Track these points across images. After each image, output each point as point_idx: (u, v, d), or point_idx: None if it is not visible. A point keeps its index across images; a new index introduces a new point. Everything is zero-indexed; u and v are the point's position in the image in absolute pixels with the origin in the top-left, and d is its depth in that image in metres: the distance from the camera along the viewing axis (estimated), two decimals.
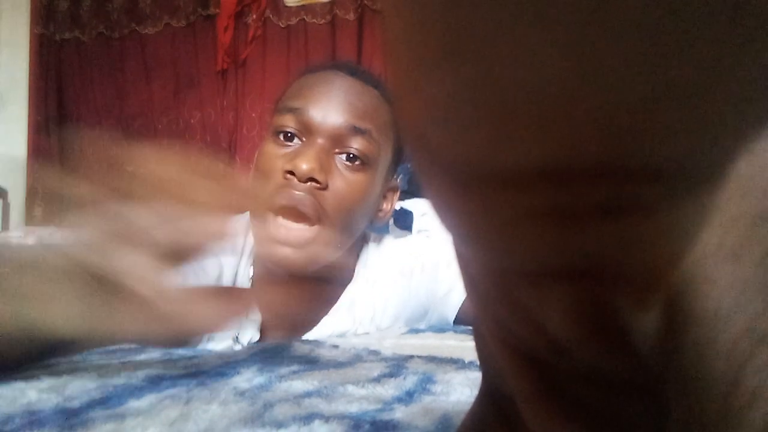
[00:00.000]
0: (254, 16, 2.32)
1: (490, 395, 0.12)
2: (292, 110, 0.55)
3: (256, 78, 2.32)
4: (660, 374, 0.08)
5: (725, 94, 0.06)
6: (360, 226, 0.60)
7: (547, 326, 0.09)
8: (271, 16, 2.31)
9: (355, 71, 0.58)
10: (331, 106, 0.55)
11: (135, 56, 2.50)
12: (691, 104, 0.06)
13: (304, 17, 2.27)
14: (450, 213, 0.09)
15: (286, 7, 2.29)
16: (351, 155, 0.55)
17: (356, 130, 0.55)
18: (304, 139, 0.55)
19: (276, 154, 0.55)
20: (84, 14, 2.55)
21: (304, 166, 0.52)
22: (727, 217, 0.07)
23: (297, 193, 0.53)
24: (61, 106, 2.60)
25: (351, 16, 2.20)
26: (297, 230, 0.53)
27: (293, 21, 2.28)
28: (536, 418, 0.10)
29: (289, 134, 0.55)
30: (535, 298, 0.08)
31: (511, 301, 0.09)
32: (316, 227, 0.54)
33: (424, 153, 0.08)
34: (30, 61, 2.59)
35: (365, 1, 2.18)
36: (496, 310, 0.10)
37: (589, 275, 0.08)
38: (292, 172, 0.53)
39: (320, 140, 0.54)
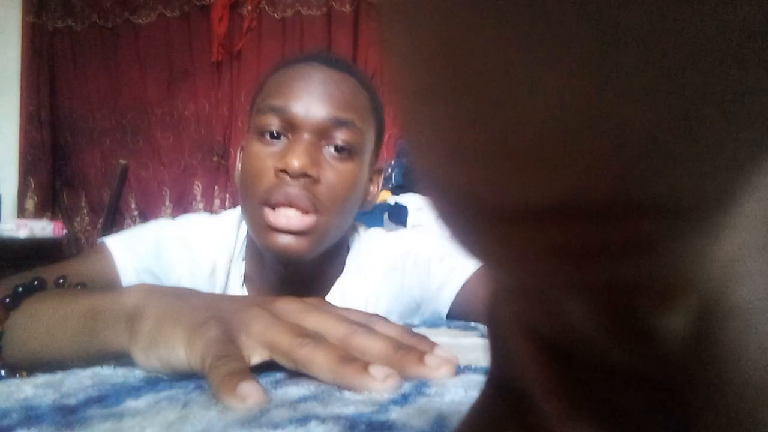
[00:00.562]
0: (249, 7, 2.30)
1: (501, 390, 0.12)
2: (274, 109, 0.55)
3: (251, 70, 2.31)
4: (691, 373, 0.08)
5: (742, 127, 0.06)
6: (353, 213, 0.61)
7: (572, 320, 0.08)
8: (266, 7, 2.29)
9: (330, 61, 0.59)
10: (312, 101, 0.55)
11: (128, 46, 2.48)
12: (706, 139, 0.06)
13: (300, 9, 2.25)
14: (459, 237, 0.09)
15: None
16: (338, 146, 0.56)
17: (340, 122, 0.55)
18: (289, 136, 0.56)
19: (264, 153, 0.56)
20: (77, 3, 2.53)
21: (296, 162, 0.53)
22: (757, 210, 0.07)
23: (291, 189, 0.53)
24: (53, 96, 2.58)
25: (347, 8, 2.19)
26: (297, 217, 0.54)
27: (289, 12, 2.27)
28: (556, 415, 0.09)
29: (274, 132, 0.56)
30: (561, 297, 0.08)
31: (534, 296, 0.09)
32: (314, 216, 0.54)
33: (431, 184, 0.08)
34: (22, 50, 2.56)
35: None
36: (518, 301, 0.10)
37: (611, 290, 0.08)
38: (284, 171, 0.53)
39: (306, 135, 0.55)
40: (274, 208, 0.54)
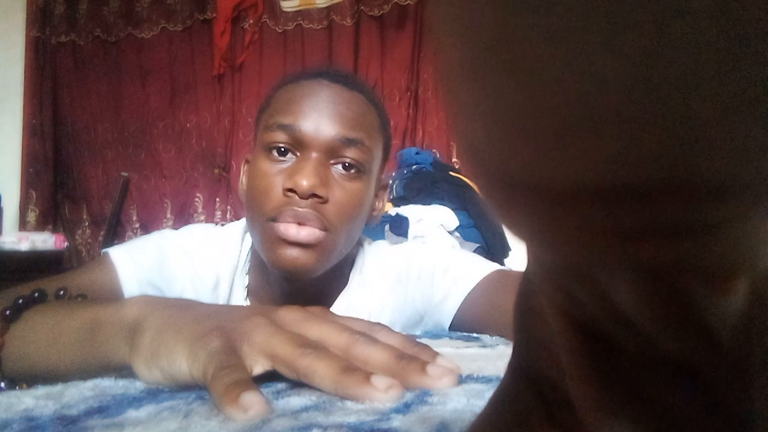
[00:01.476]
0: (251, 21, 2.33)
1: (528, 380, 0.11)
2: (283, 126, 0.55)
3: (253, 83, 2.32)
4: (741, 358, 0.07)
5: None
6: (360, 230, 0.61)
7: (617, 300, 0.08)
8: (267, 20, 2.32)
9: (338, 77, 0.58)
10: (322, 119, 0.55)
11: (131, 60, 2.50)
12: (760, 119, 0.06)
13: (301, 22, 2.27)
14: (511, 222, 0.08)
15: (283, 11, 2.29)
16: (346, 165, 0.56)
17: (349, 141, 0.55)
18: (298, 154, 0.56)
19: (272, 171, 0.56)
20: (80, 17, 2.55)
21: (305, 182, 0.53)
22: None
23: (300, 209, 0.53)
24: (56, 110, 2.60)
25: (348, 22, 2.21)
26: (306, 231, 0.54)
27: (290, 26, 2.29)
28: (587, 401, 0.09)
29: (282, 149, 0.56)
30: (607, 278, 0.08)
31: (581, 277, 0.08)
32: (322, 232, 0.54)
33: (476, 166, 0.08)
34: (25, 64, 2.58)
35: (362, 7, 2.19)
36: (562, 281, 0.09)
37: (662, 271, 0.07)
38: (293, 190, 0.53)
39: (315, 154, 0.55)
40: (283, 223, 0.54)
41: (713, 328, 0.08)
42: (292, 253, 0.54)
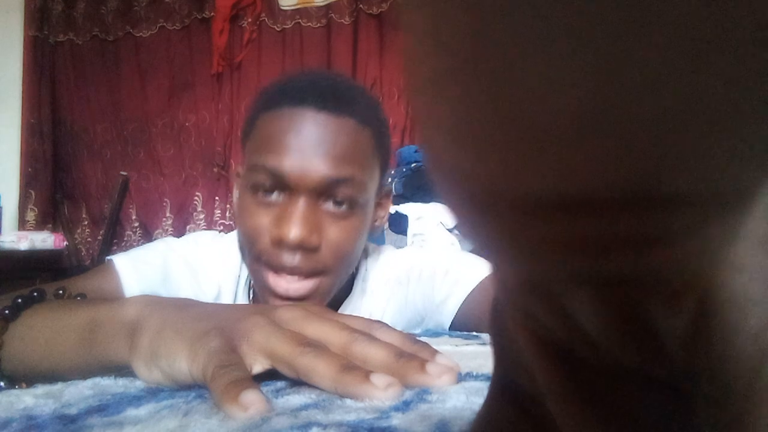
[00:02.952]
0: (249, 20, 2.32)
1: (509, 396, 0.12)
2: (266, 169, 0.51)
3: (252, 81, 2.32)
4: (688, 367, 0.08)
5: (756, 119, 0.06)
6: (359, 255, 0.59)
7: (579, 320, 0.08)
8: (266, 19, 2.31)
9: (324, 102, 0.52)
10: (307, 159, 0.50)
11: (129, 59, 2.50)
12: (721, 129, 0.06)
13: (300, 21, 2.27)
14: (472, 231, 0.08)
15: (282, 10, 2.29)
16: (338, 201, 0.52)
17: (339, 181, 0.51)
18: (285, 194, 0.52)
19: (258, 212, 0.53)
20: (78, 17, 2.55)
21: (292, 235, 0.49)
22: (758, 208, 0.07)
23: (290, 259, 0.51)
24: (54, 110, 2.59)
25: (346, 20, 2.20)
26: (297, 283, 0.51)
27: (288, 24, 2.29)
28: (567, 417, 0.09)
29: (267, 188, 0.52)
30: (566, 296, 0.08)
31: (542, 297, 0.09)
32: (316, 279, 0.52)
33: (441, 173, 0.08)
34: (23, 63, 2.58)
35: (361, 5, 2.19)
36: (526, 304, 0.09)
37: (620, 286, 0.07)
38: (282, 240, 0.50)
39: (303, 197, 0.51)
40: (272, 272, 0.52)
41: (666, 343, 0.08)
42: (284, 305, 0.53)
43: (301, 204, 0.51)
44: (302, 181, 0.51)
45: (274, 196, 0.52)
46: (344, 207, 0.53)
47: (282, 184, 0.52)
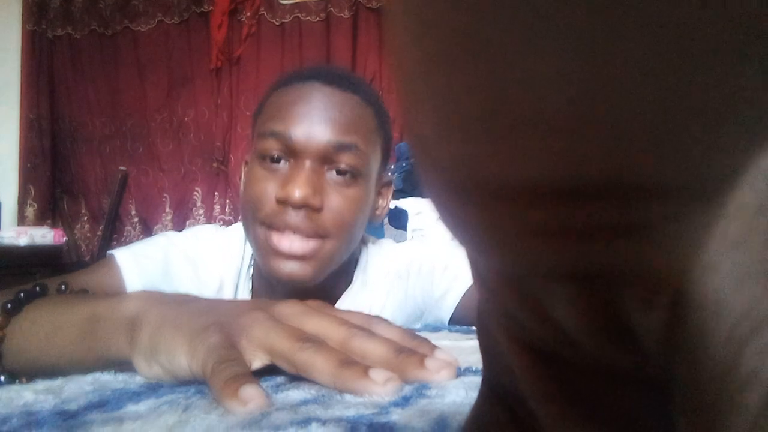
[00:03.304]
0: (248, 14, 2.31)
1: (497, 396, 0.12)
2: (274, 134, 0.54)
3: (251, 76, 2.32)
4: (666, 367, 0.08)
5: (737, 111, 0.06)
6: (360, 234, 0.60)
7: (557, 319, 0.08)
8: (265, 13, 2.30)
9: (332, 79, 0.56)
10: (314, 125, 0.54)
11: (128, 53, 2.49)
12: (702, 121, 0.06)
13: (299, 15, 2.26)
14: (453, 221, 0.09)
15: (281, 4, 2.28)
16: (341, 170, 0.55)
17: (343, 147, 0.54)
18: (291, 160, 0.55)
19: (265, 178, 0.55)
20: (76, 11, 2.54)
21: (296, 193, 0.52)
22: (731, 207, 0.07)
23: (293, 218, 0.53)
24: (53, 105, 2.59)
25: (346, 14, 2.20)
26: (300, 242, 0.53)
27: (288, 18, 2.28)
28: (551, 418, 0.09)
29: (275, 157, 0.55)
30: (544, 294, 0.08)
31: (520, 296, 0.09)
32: (318, 240, 0.54)
33: (426, 161, 0.08)
34: (22, 58, 2.57)
35: None
36: (506, 304, 0.09)
37: (598, 279, 0.08)
38: (286, 200, 0.53)
39: (308, 161, 0.54)
40: (276, 231, 0.54)
41: (643, 341, 0.08)
42: (288, 264, 0.53)
43: (306, 167, 0.54)
44: (307, 146, 0.54)
45: (281, 164, 0.55)
46: (347, 176, 0.55)
47: (288, 149, 0.54)
